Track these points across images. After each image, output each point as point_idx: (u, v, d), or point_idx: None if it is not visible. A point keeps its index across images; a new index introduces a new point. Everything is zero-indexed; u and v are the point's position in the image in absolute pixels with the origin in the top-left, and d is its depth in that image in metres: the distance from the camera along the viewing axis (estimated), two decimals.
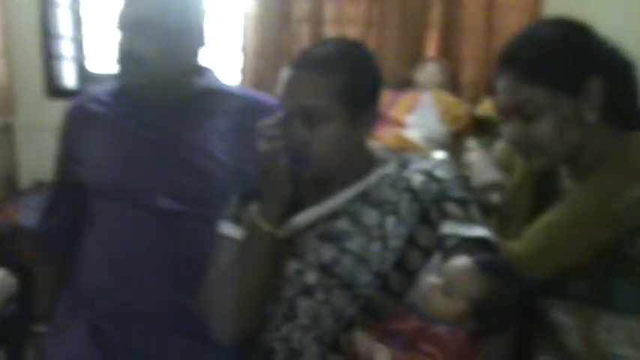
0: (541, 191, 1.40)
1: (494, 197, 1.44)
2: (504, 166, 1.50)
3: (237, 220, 1.45)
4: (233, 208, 1.47)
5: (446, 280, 1.25)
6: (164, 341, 1.48)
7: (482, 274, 1.23)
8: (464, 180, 1.48)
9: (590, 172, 1.28)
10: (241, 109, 1.68)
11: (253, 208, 1.38)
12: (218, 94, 1.68)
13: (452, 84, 2.97)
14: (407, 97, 2.83)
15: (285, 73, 1.39)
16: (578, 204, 1.28)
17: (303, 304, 1.39)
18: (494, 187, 1.45)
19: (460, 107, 2.78)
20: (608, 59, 1.28)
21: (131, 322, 1.52)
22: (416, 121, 2.68)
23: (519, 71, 1.27)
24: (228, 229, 1.45)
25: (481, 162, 1.55)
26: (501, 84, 1.31)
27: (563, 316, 1.29)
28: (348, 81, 1.34)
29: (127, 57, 1.52)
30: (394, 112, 2.75)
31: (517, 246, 1.32)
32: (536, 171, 1.38)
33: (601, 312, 1.24)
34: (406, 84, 3.03)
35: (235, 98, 1.70)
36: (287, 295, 1.40)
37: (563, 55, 1.26)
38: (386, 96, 2.85)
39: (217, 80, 1.73)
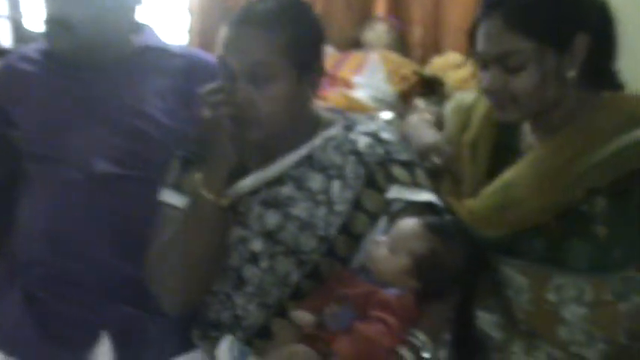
0: (498, 148, 1.38)
1: (434, 160, 1.42)
2: (456, 125, 1.48)
3: (178, 187, 1.41)
4: (174, 174, 1.43)
5: (391, 238, 1.27)
6: (103, 310, 1.44)
7: (426, 233, 1.25)
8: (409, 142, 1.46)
9: (557, 130, 1.27)
10: (183, 69, 1.62)
11: (196, 177, 1.33)
12: (157, 53, 1.62)
13: (400, 44, 2.96)
14: (354, 57, 2.81)
15: (224, 31, 1.34)
16: (541, 163, 1.27)
17: (249, 272, 1.37)
18: (434, 149, 1.44)
19: (408, 67, 2.77)
20: (596, 16, 1.25)
21: (68, 290, 1.48)
22: (363, 81, 2.67)
23: (507, 18, 1.22)
24: (170, 197, 1.42)
25: (419, 124, 1.53)
26: (485, 29, 1.25)
27: (515, 275, 1.30)
28: (292, 37, 1.30)
29: (54, 21, 1.45)
30: (342, 73, 2.73)
31: (474, 203, 1.32)
32: (506, 123, 1.35)
33: (554, 271, 1.25)
34: (354, 44, 3.01)
35: (176, 57, 1.64)
36: (233, 264, 1.38)
37: (556, 7, 1.22)
38: (334, 56, 2.84)
39: (156, 38, 1.66)
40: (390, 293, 1.24)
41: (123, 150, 1.50)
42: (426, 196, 1.36)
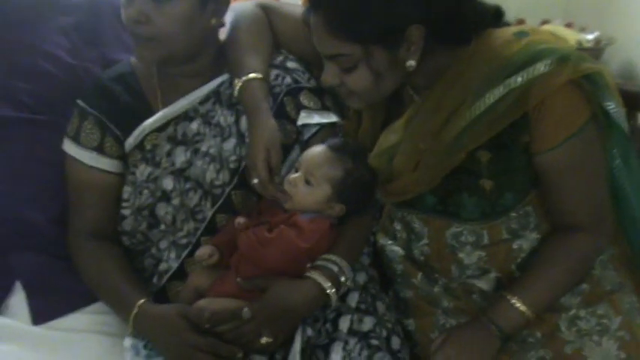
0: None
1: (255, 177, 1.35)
2: None
3: (77, 139, 1.39)
4: (73, 124, 1.40)
5: (304, 170, 1.28)
6: (13, 259, 1.39)
7: (336, 156, 1.27)
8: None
9: (428, 88, 1.25)
10: (88, 5, 1.57)
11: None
12: None
13: None
14: None
15: None
16: (418, 132, 1.25)
17: (162, 210, 1.37)
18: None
19: None
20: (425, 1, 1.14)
21: None
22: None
23: (328, 22, 1.15)
24: (70, 148, 1.40)
25: (255, 122, 1.39)
26: (312, 28, 1.19)
27: (414, 220, 1.34)
28: None
29: None
30: None
31: (370, 162, 1.32)
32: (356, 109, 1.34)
33: (451, 220, 1.28)
34: None
35: None
36: (145, 202, 1.37)
37: (374, 8, 1.12)
38: None
39: None
40: (303, 217, 1.27)
41: (25, 92, 1.44)
42: (334, 117, 1.39)
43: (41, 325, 1.34)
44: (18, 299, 1.36)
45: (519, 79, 1.15)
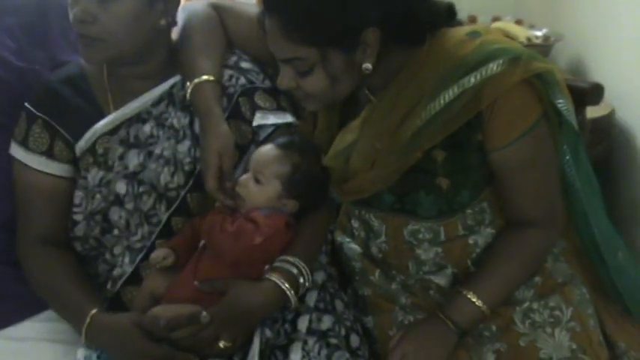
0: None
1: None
2: None
3: (25, 143, 1.37)
4: (21, 128, 1.37)
5: (254, 170, 1.28)
6: None
7: (283, 153, 1.28)
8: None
9: (384, 88, 1.26)
10: (35, 5, 1.53)
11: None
12: None
13: None
14: None
15: None
16: (373, 130, 1.26)
17: (115, 214, 1.35)
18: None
19: None
20: (382, 3, 1.14)
21: None
22: None
23: (284, 26, 1.15)
24: (17, 153, 1.37)
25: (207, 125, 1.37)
26: (267, 31, 1.19)
27: (372, 219, 1.34)
28: None
29: None
30: None
31: (326, 160, 1.33)
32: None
33: (408, 218, 1.30)
34: None
35: None
36: (98, 207, 1.35)
37: (329, 12, 1.12)
38: None
39: None
40: (260, 213, 1.27)
41: None
42: (289, 118, 1.39)
43: None
44: None
45: (473, 80, 1.17)
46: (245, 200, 1.29)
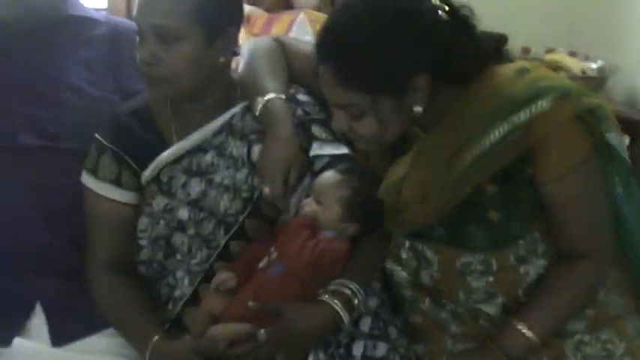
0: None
1: (268, 187, 1.38)
2: None
3: (94, 172, 1.45)
4: (91, 158, 1.46)
5: (317, 193, 1.34)
6: (35, 282, 1.44)
7: (344, 178, 1.34)
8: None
9: (433, 125, 1.29)
10: (107, 38, 1.63)
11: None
12: (82, 22, 1.62)
13: (330, 4, 2.97)
14: (284, 18, 2.82)
15: None
16: (424, 167, 1.29)
17: (178, 239, 1.41)
18: (274, 170, 1.38)
19: None
20: (430, 51, 1.19)
21: None
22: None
23: (337, 73, 1.20)
24: (88, 181, 1.45)
25: (276, 135, 1.40)
26: (322, 76, 1.24)
27: (425, 249, 1.37)
28: (202, 1, 1.33)
29: None
30: (272, 32, 2.74)
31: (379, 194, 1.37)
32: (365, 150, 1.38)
33: (460, 250, 1.31)
34: (285, 5, 3.02)
35: (101, 26, 1.64)
36: (162, 233, 1.42)
37: (382, 61, 1.18)
38: (263, 17, 2.84)
39: (81, 6, 1.66)
40: (328, 234, 1.33)
41: (48, 121, 1.50)
42: (344, 149, 1.44)
43: (61, 347, 1.38)
44: (38, 321, 1.41)
45: (522, 116, 1.20)
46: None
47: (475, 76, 1.26)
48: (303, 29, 2.69)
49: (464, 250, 1.31)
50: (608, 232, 1.30)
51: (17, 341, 1.38)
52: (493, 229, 1.27)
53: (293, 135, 1.38)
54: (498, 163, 1.23)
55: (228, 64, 1.44)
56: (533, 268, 1.31)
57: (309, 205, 1.35)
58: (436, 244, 1.34)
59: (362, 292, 1.31)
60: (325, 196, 1.34)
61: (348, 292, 1.29)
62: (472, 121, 1.24)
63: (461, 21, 1.24)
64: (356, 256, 1.35)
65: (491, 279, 1.32)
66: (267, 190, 1.35)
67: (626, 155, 1.29)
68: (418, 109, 1.22)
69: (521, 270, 1.31)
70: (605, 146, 1.26)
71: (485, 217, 1.27)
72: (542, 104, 1.19)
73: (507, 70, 1.28)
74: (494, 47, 1.30)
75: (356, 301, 1.29)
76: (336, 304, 1.27)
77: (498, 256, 1.30)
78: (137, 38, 1.36)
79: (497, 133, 1.21)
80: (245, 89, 1.45)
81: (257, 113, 1.40)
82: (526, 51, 2.54)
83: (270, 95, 1.39)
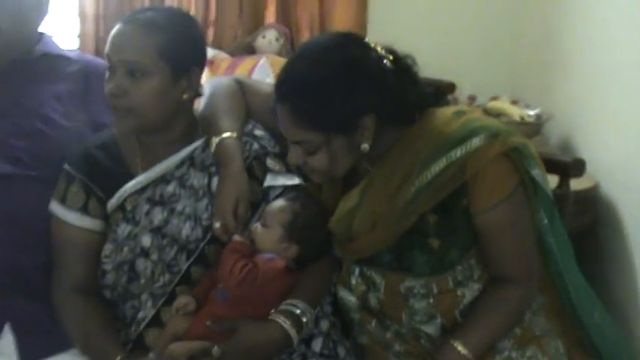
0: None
1: (218, 223, 1.48)
2: None
3: (63, 201, 1.52)
4: (61, 188, 1.53)
5: (263, 217, 1.46)
6: (4, 303, 1.49)
7: (287, 204, 1.46)
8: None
9: (381, 160, 1.41)
10: (79, 74, 1.73)
11: None
12: (55, 59, 1.71)
13: (288, 49, 3.10)
14: (246, 62, 2.93)
15: (112, 30, 1.47)
16: (372, 197, 1.40)
17: (141, 265, 1.49)
18: (224, 209, 1.48)
19: None
20: (376, 95, 1.32)
21: None
22: None
23: (292, 113, 1.32)
24: (56, 209, 1.52)
25: (228, 174, 1.50)
26: (280, 116, 1.36)
27: (373, 275, 1.48)
28: (169, 40, 1.44)
29: None
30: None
31: (331, 224, 1.47)
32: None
33: (404, 275, 1.43)
34: (248, 50, 3.13)
35: (72, 63, 1.74)
36: (126, 258, 1.49)
37: (334, 104, 1.30)
38: (227, 61, 2.96)
39: (55, 45, 1.76)
40: (262, 257, 1.43)
41: (21, 150, 1.57)
42: (297, 180, 1.54)
43: None
44: (6, 340, 1.46)
45: (458, 153, 1.33)
46: (255, 243, 1.45)
47: (417, 118, 1.39)
48: (264, 72, 2.82)
49: (408, 274, 1.42)
50: (534, 258, 1.43)
51: None
52: (434, 255, 1.39)
53: (242, 172, 1.48)
54: (438, 195, 1.35)
55: (191, 101, 1.54)
56: (469, 292, 1.43)
57: (256, 228, 1.46)
58: (384, 270, 1.44)
59: (311, 311, 1.41)
60: (270, 219, 1.45)
61: (297, 311, 1.39)
62: (414, 156, 1.36)
63: (404, 68, 1.39)
64: (306, 279, 1.45)
65: (431, 301, 1.42)
66: (217, 224, 1.44)
67: (549, 190, 1.43)
68: (365, 146, 1.35)
69: (459, 293, 1.42)
70: (530, 181, 1.39)
71: (427, 244, 1.38)
72: (476, 142, 1.33)
73: (445, 112, 1.42)
74: (434, 93, 1.44)
75: (304, 319, 1.39)
76: (285, 322, 1.37)
77: (438, 280, 1.41)
78: (107, 73, 1.46)
79: (437, 168, 1.34)
80: (204, 127, 1.55)
81: (212, 151, 1.50)
82: (472, 99, 2.70)
83: (225, 135, 1.49)
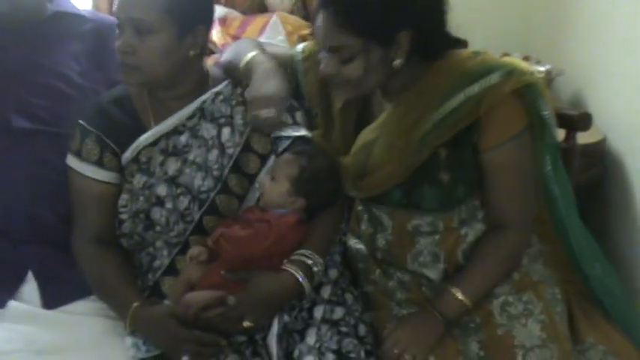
0: (361, 112, 1.57)
1: (267, 112, 1.50)
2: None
3: (79, 154, 1.56)
4: (76, 142, 1.57)
5: (271, 170, 1.52)
6: (26, 252, 1.56)
7: (294, 157, 1.51)
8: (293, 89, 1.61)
9: (399, 95, 1.46)
10: (93, 33, 1.76)
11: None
12: (71, 18, 1.75)
13: (302, 8, 3.09)
14: (258, 20, 2.93)
15: None
16: (390, 130, 1.46)
17: (156, 213, 1.54)
18: (269, 100, 1.51)
19: (307, 29, 2.92)
20: (418, 12, 1.36)
21: None
22: (265, 41, 2.79)
23: (337, 16, 1.35)
24: (72, 162, 1.57)
25: (265, 72, 1.55)
26: (319, 22, 1.39)
27: (382, 215, 1.54)
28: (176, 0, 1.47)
29: None
30: (246, 34, 2.85)
31: (347, 159, 1.53)
32: (347, 99, 1.54)
33: (412, 213, 1.49)
34: (260, 9, 3.13)
35: (87, 22, 1.77)
36: (141, 207, 1.55)
37: (378, 9, 1.33)
38: (239, 19, 2.96)
39: (69, 4, 1.79)
40: (274, 213, 1.48)
41: (40, 107, 1.62)
42: (303, 131, 1.59)
43: (51, 309, 1.51)
44: (30, 287, 1.53)
45: (477, 89, 1.38)
46: (262, 196, 1.51)
47: (439, 56, 1.43)
48: (276, 30, 2.82)
49: (416, 212, 1.48)
50: (531, 205, 1.48)
51: (12, 303, 1.50)
52: (442, 189, 1.44)
53: (278, 68, 1.53)
54: (453, 129, 1.40)
55: (201, 57, 1.57)
56: (472, 231, 1.49)
57: (262, 184, 1.51)
58: (392, 209, 1.50)
59: (321, 261, 1.46)
60: (277, 173, 1.50)
61: (309, 261, 1.44)
62: (433, 92, 1.41)
63: (443, 2, 1.43)
64: (316, 229, 1.50)
65: (437, 237, 1.49)
66: (263, 113, 1.48)
67: (556, 132, 1.47)
68: (398, 62, 1.38)
69: (462, 232, 1.49)
70: (539, 122, 1.43)
71: (438, 178, 1.44)
72: (494, 78, 1.38)
73: (464, 53, 1.46)
74: (455, 38, 1.48)
75: (315, 269, 1.44)
76: (297, 272, 1.42)
77: (445, 217, 1.47)
78: (117, 31, 1.49)
79: (454, 103, 1.39)
80: (229, 70, 1.60)
81: (241, 70, 1.54)
82: None
83: (254, 52, 1.56)
